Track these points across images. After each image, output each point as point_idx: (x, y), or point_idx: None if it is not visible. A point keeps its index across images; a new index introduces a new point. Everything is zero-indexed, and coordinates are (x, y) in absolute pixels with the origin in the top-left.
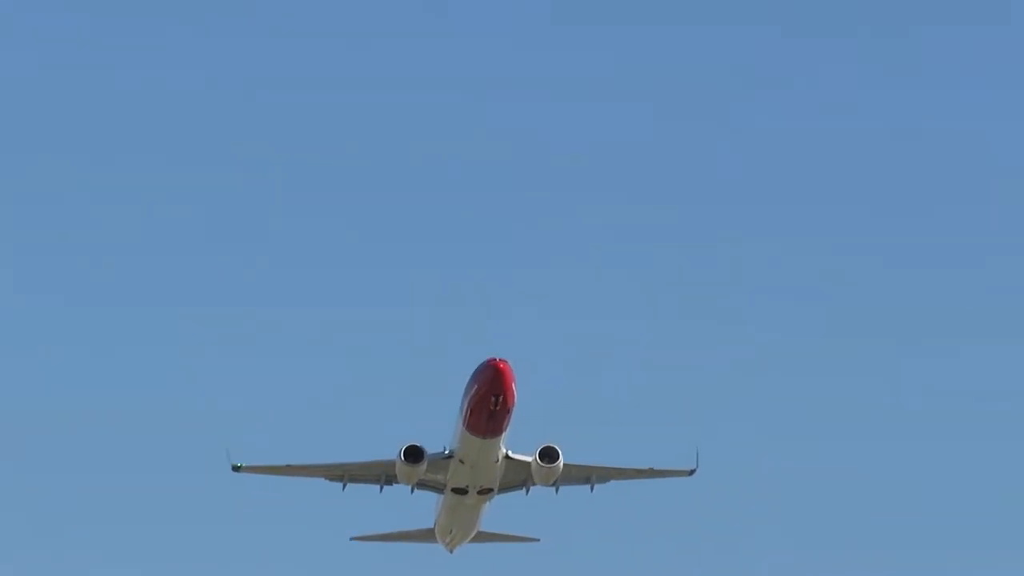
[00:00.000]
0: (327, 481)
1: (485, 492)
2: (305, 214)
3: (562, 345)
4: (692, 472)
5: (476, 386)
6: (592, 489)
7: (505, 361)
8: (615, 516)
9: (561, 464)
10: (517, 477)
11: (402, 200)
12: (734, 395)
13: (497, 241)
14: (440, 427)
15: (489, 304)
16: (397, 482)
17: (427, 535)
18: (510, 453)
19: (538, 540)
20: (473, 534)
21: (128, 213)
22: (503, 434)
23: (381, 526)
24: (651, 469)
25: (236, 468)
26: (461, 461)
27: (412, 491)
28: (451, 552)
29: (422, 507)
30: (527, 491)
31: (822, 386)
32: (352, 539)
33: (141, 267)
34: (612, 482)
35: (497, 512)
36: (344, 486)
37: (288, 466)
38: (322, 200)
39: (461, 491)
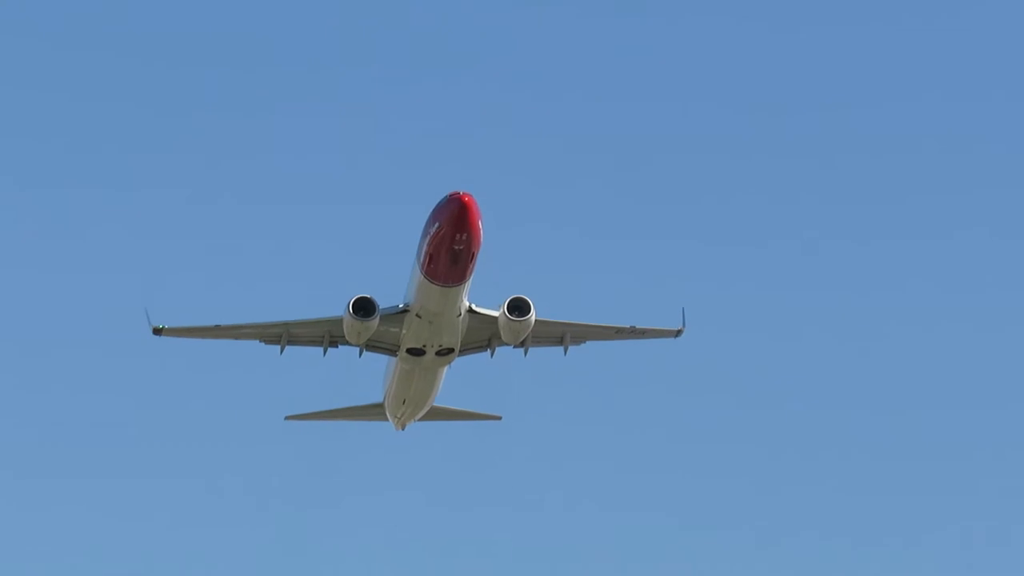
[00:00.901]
0: (263, 344)
1: (444, 353)
2: None
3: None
4: (679, 333)
5: (436, 224)
6: (566, 351)
7: (469, 195)
8: (591, 384)
9: (533, 318)
10: (481, 335)
11: None
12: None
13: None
14: (393, 280)
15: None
16: (344, 343)
17: (374, 412)
18: (474, 307)
19: (499, 418)
20: (427, 408)
21: None
22: (466, 282)
23: (323, 399)
24: (633, 328)
25: (157, 331)
26: (418, 315)
27: (360, 354)
28: (401, 429)
29: (370, 375)
30: (492, 352)
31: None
32: (287, 418)
33: None
34: (588, 343)
35: (455, 381)
36: (282, 349)
37: (217, 327)
38: None
39: (417, 352)
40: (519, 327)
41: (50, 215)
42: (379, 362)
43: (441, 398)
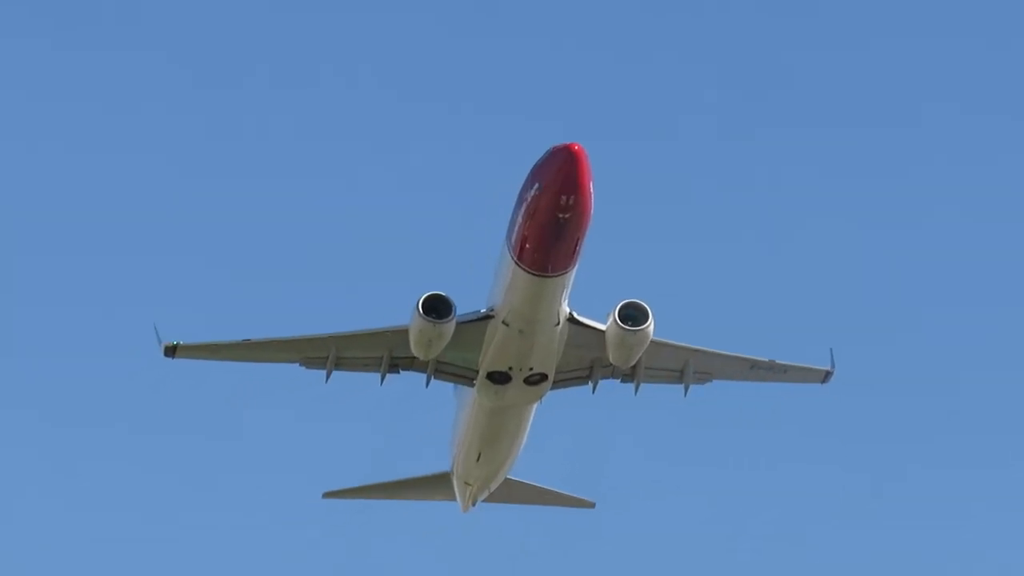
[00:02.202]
0: (304, 368)
1: (535, 381)
2: None
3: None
4: (827, 376)
5: (536, 185)
6: (687, 391)
7: (580, 145)
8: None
9: (651, 329)
10: (582, 358)
11: None
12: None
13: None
14: (473, 283)
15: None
16: (408, 366)
17: (438, 485)
18: (576, 315)
19: (592, 505)
20: (507, 466)
21: None
22: (571, 271)
23: (377, 458)
24: (772, 363)
25: (170, 349)
26: (505, 323)
27: (428, 381)
28: (466, 509)
29: (436, 426)
30: (594, 386)
31: None
32: (325, 495)
33: None
34: (715, 383)
35: (539, 434)
36: (328, 375)
37: (246, 342)
38: None
39: (501, 378)
40: (634, 340)
41: None
42: (447, 409)
43: (522, 460)
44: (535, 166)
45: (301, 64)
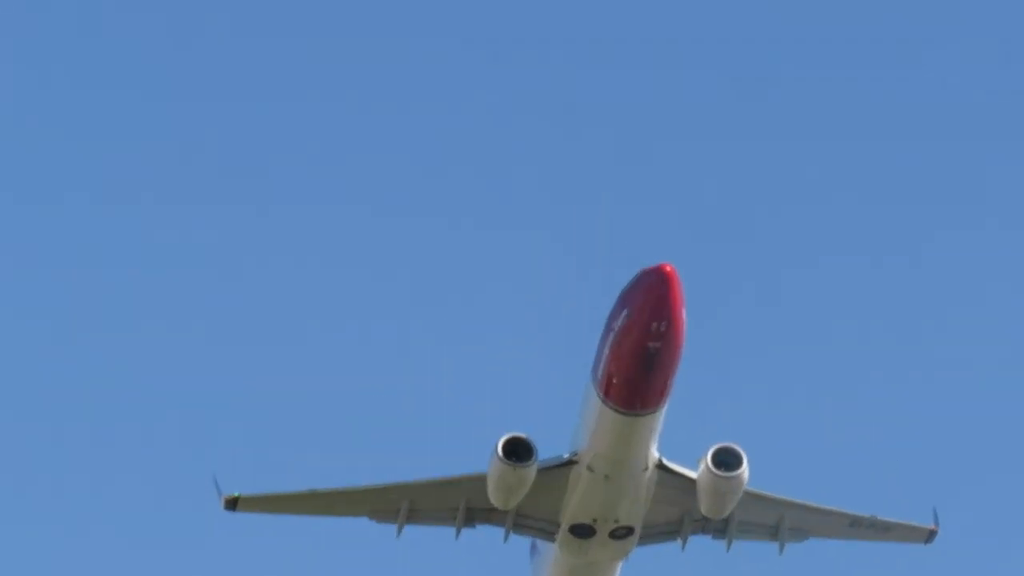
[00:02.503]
0: (373, 522)
1: (622, 536)
2: None
3: None
4: (932, 536)
5: (624, 311)
6: (782, 549)
7: (672, 267)
8: None
9: (746, 474)
10: (671, 510)
11: None
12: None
13: None
14: (553, 427)
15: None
16: (484, 519)
17: None
18: (665, 461)
19: None
20: None
21: None
22: (661, 409)
23: None
24: (874, 519)
25: (231, 502)
26: (590, 468)
27: (507, 536)
28: None
29: None
30: (683, 542)
31: None
32: None
33: None
34: (813, 540)
35: None
36: (400, 529)
37: (312, 492)
38: None
39: (585, 531)
40: (727, 487)
41: None
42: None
43: None
44: (623, 291)
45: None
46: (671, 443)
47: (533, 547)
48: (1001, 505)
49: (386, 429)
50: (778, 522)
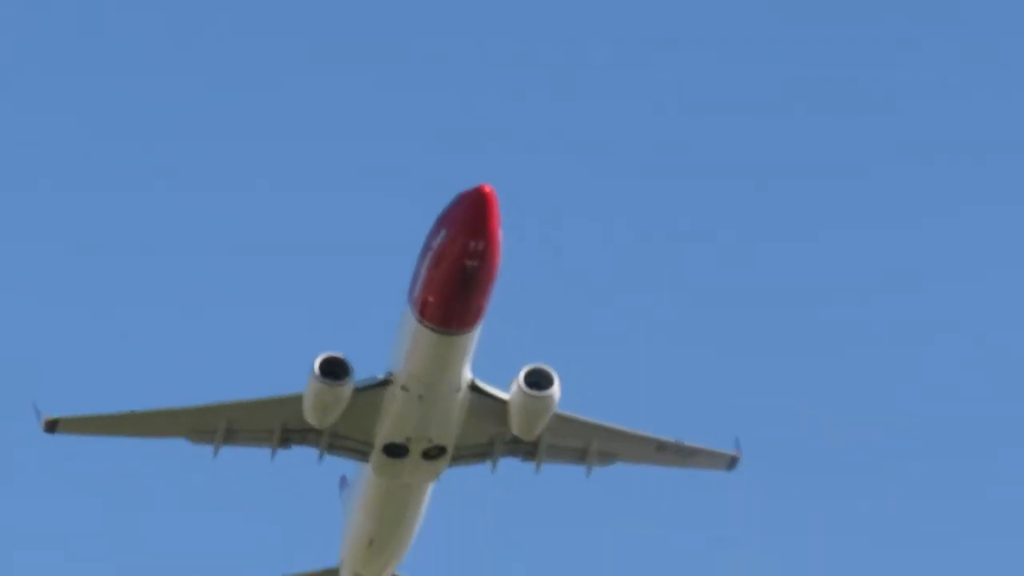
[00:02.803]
0: (191, 443)
1: (433, 456)
2: None
3: None
4: (734, 462)
5: (442, 232)
6: (589, 472)
7: (491, 187)
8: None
9: (556, 394)
10: (482, 431)
11: None
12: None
13: None
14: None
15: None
16: (300, 440)
17: None
18: (478, 382)
19: None
20: (399, 558)
21: None
22: (475, 329)
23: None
24: (679, 445)
25: (51, 424)
26: (404, 388)
27: (321, 455)
28: None
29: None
30: (494, 463)
31: None
32: None
33: None
34: (619, 465)
35: (433, 522)
36: (216, 449)
37: (132, 414)
38: None
39: (398, 451)
40: (538, 406)
41: None
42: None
43: (414, 552)
44: (442, 213)
45: None
46: (484, 367)
47: (343, 482)
48: (802, 434)
49: (205, 352)
50: (586, 445)
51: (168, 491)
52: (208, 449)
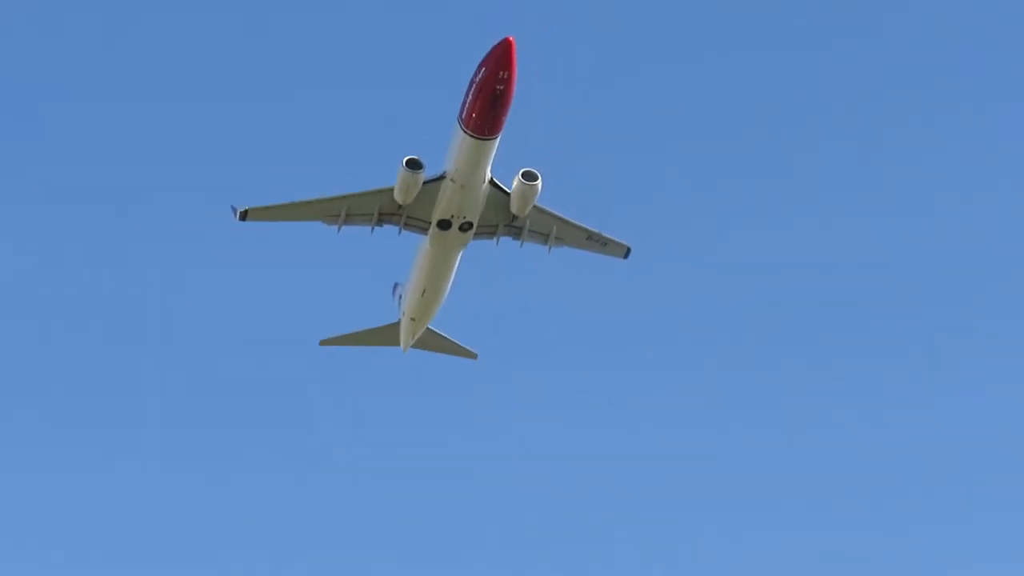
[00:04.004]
0: (325, 225)
1: (465, 228)
2: None
3: None
4: (628, 252)
5: (481, 69)
6: (549, 250)
7: (513, 38)
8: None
9: (540, 184)
10: (494, 215)
11: None
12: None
13: None
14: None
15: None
16: (389, 221)
17: (390, 333)
18: (494, 179)
19: (475, 356)
20: (439, 301)
21: None
22: (498, 136)
23: (367, 277)
24: (599, 233)
25: (243, 214)
26: (452, 180)
27: (400, 230)
28: (406, 349)
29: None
30: (497, 240)
31: None
32: (321, 343)
33: None
34: (564, 248)
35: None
36: (339, 228)
37: (293, 204)
38: None
39: (445, 225)
40: (528, 191)
41: None
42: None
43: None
44: (482, 59)
45: None
46: (496, 170)
47: (394, 289)
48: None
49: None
50: (548, 231)
51: (305, 257)
52: (333, 228)
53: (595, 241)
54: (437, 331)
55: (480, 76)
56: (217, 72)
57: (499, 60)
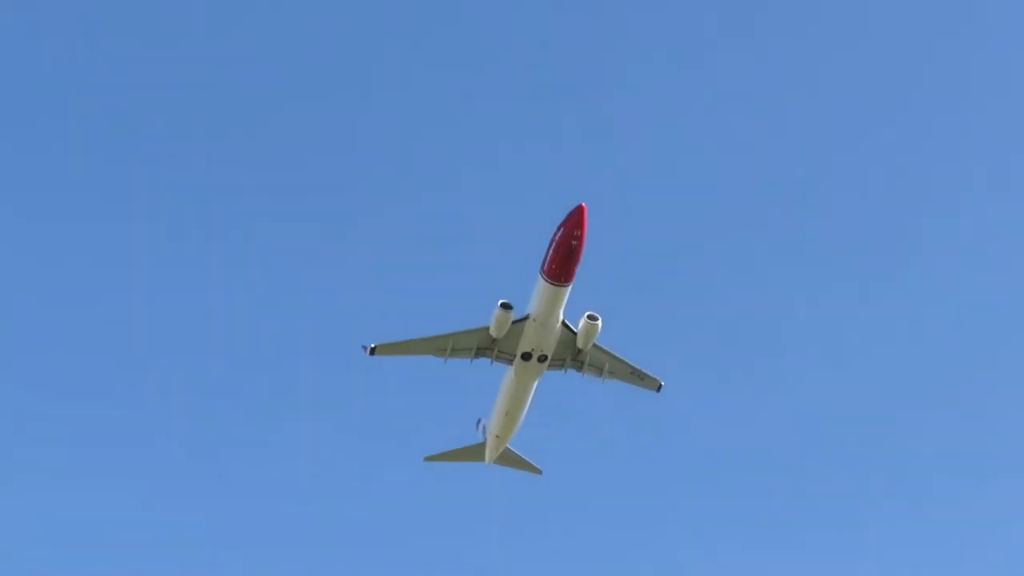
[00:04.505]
0: (434, 357)
1: (542, 361)
2: None
3: None
4: (660, 387)
5: (560, 228)
6: (604, 381)
7: (585, 205)
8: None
9: (600, 324)
10: (565, 347)
11: None
12: None
13: None
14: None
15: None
16: (483, 355)
17: (479, 450)
18: (565, 320)
19: (540, 472)
20: (517, 425)
21: None
22: (570, 284)
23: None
24: (643, 371)
25: (372, 350)
26: (535, 320)
27: (492, 361)
28: (489, 462)
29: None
30: (565, 370)
31: None
32: (426, 459)
33: None
34: (614, 381)
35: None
36: (446, 360)
37: (412, 340)
38: None
39: (527, 357)
40: (591, 329)
41: None
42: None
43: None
44: (561, 222)
45: None
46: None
47: (478, 423)
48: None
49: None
50: (603, 365)
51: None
52: (440, 360)
53: (636, 376)
54: (513, 449)
55: (558, 235)
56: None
57: (574, 220)
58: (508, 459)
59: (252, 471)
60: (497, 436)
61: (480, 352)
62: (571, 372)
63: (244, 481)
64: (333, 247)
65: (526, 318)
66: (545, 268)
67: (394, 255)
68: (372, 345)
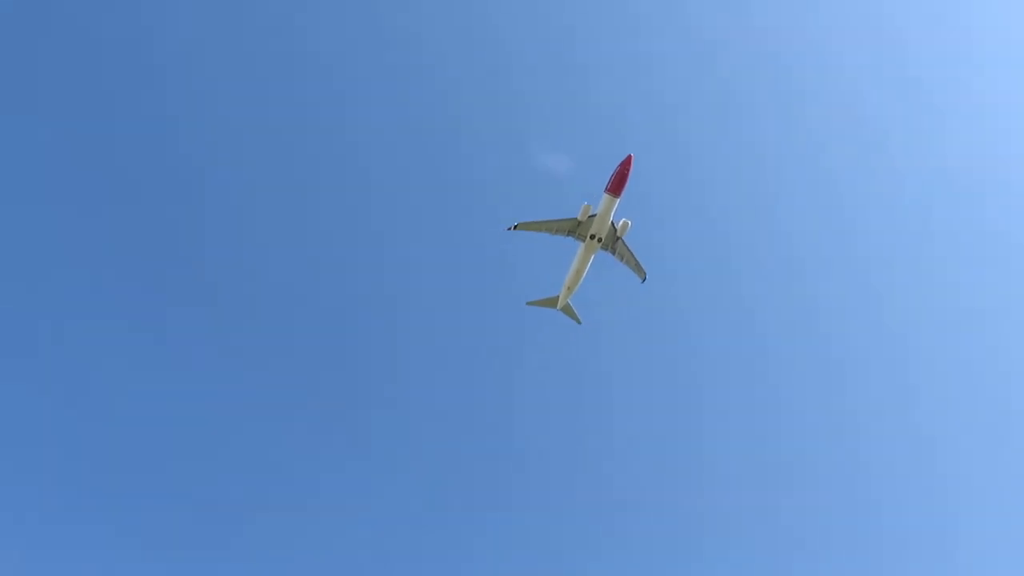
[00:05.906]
0: (548, 235)
1: (599, 240)
2: None
3: None
4: (644, 279)
5: (619, 166)
6: (618, 261)
7: (632, 156)
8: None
9: (630, 224)
10: (610, 236)
11: None
12: None
13: None
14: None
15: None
16: (571, 235)
17: (554, 300)
18: (613, 221)
19: (580, 323)
20: (578, 285)
21: None
22: (619, 197)
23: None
24: (640, 266)
25: (514, 227)
26: (599, 216)
27: (575, 239)
28: (560, 306)
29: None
30: (607, 250)
31: None
32: (528, 303)
33: None
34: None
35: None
36: (553, 234)
37: (537, 221)
38: None
39: (593, 237)
40: (625, 225)
41: None
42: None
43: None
44: (619, 163)
45: None
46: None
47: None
48: None
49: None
50: (624, 255)
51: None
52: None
53: (636, 266)
54: (571, 304)
55: (617, 169)
56: None
57: (625, 162)
58: (567, 309)
59: None
60: (568, 288)
61: (569, 232)
62: (605, 254)
63: None
64: None
65: (595, 215)
66: (608, 187)
67: None
68: (516, 224)
